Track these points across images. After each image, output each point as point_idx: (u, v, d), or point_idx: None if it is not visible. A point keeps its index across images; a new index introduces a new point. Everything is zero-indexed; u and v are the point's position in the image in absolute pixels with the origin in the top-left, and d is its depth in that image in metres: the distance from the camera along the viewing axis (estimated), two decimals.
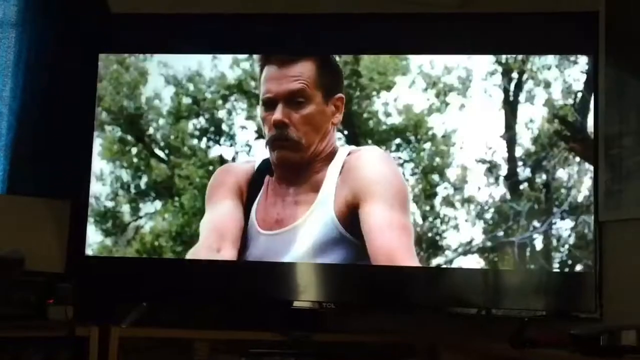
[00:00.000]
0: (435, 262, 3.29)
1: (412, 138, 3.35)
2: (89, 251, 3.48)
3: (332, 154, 3.18)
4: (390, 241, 3.06)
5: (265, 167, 3.31)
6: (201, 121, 3.50)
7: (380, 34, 3.42)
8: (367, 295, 3.31)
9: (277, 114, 3.12)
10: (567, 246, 3.24)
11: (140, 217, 3.52)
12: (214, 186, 3.28)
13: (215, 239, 3.22)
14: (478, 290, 3.28)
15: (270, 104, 3.18)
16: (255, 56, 3.38)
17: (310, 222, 3.14)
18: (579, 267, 3.22)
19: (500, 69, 3.34)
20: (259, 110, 3.30)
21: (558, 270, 3.23)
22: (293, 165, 3.18)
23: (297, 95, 3.12)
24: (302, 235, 3.16)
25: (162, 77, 3.52)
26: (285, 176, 3.21)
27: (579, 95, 3.27)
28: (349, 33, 3.43)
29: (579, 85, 3.27)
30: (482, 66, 3.33)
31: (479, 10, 3.59)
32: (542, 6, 3.37)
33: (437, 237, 3.31)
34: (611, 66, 3.19)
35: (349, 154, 3.17)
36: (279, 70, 3.16)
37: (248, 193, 3.23)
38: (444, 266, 3.27)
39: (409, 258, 3.11)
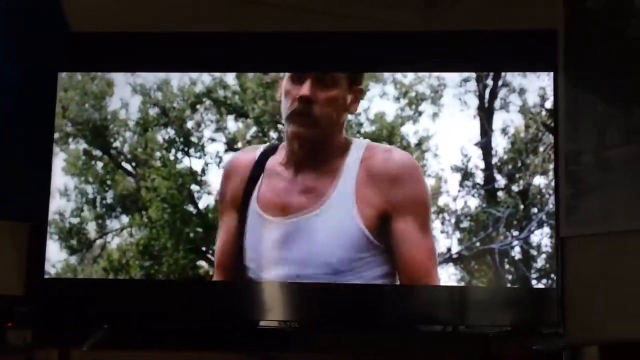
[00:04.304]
0: None
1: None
2: (52, 270, 3.33)
3: (346, 145, 3.09)
4: (427, 271, 3.07)
5: (266, 153, 3.20)
6: (170, 132, 3.41)
7: (342, 52, 3.36)
8: (334, 313, 3.22)
9: (305, 89, 3.04)
10: (533, 260, 3.19)
11: (107, 233, 3.38)
12: (220, 199, 3.21)
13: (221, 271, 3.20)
14: (446, 307, 3.20)
15: (298, 78, 3.09)
16: None
17: (328, 214, 3.03)
18: (543, 282, 3.17)
19: (474, 74, 3.29)
20: (283, 83, 3.16)
21: (523, 284, 3.18)
22: (308, 144, 3.08)
23: (327, 75, 3.09)
24: (318, 227, 3.04)
25: (129, 86, 3.42)
26: (294, 158, 3.10)
27: None
28: (312, 51, 3.39)
29: None
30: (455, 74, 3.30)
31: (442, 28, 3.57)
32: (503, 24, 3.34)
33: None
34: (570, 84, 3.17)
35: (366, 149, 3.09)
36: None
37: (246, 187, 3.13)
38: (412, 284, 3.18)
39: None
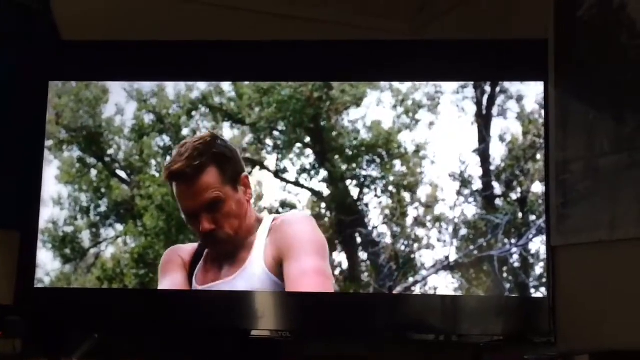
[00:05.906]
0: (410, 280, 3.22)
1: (384, 154, 3.29)
2: (46, 279, 3.30)
3: (257, 223, 3.17)
4: (305, 285, 3.10)
5: (202, 247, 3.27)
6: (165, 139, 3.39)
7: (339, 59, 3.39)
8: (326, 323, 3.21)
9: (204, 224, 3.10)
10: (531, 268, 3.17)
11: (101, 242, 3.35)
12: (163, 263, 3.25)
13: None
14: (437, 316, 3.19)
15: (192, 216, 3.14)
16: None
17: (245, 274, 3.14)
18: (540, 290, 3.15)
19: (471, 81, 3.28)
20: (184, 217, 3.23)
21: (520, 292, 3.17)
22: (224, 248, 3.19)
23: (214, 203, 3.11)
24: (237, 287, 3.15)
25: (124, 92, 3.40)
26: (219, 253, 3.23)
27: None
28: (310, 58, 3.41)
29: None
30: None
31: (432, 37, 3.60)
32: (494, 33, 3.34)
33: (411, 256, 3.24)
34: (561, 93, 3.15)
35: (274, 220, 3.19)
36: (187, 186, 3.12)
37: (190, 266, 3.22)
38: (403, 293, 3.20)
39: None
